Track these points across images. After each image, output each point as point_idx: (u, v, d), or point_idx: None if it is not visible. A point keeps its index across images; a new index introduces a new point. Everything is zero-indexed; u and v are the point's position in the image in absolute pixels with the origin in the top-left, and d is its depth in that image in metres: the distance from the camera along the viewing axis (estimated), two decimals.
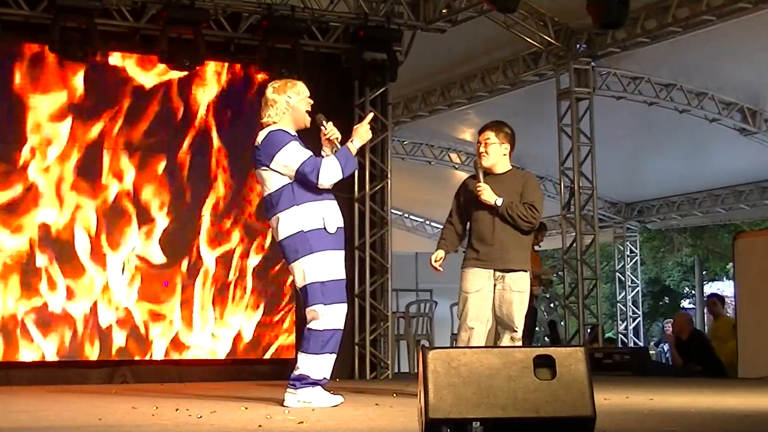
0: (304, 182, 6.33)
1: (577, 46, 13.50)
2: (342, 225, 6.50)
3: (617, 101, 14.77)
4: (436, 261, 7.10)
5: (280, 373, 9.79)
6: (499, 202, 6.93)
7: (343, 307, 6.42)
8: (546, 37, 13.31)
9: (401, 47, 12.03)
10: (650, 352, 13.25)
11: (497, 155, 7.09)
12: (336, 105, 11.97)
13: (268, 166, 6.36)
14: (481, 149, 7.09)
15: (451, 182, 16.01)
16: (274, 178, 6.38)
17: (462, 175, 15.32)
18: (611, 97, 14.61)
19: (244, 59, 11.39)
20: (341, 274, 6.45)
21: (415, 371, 6.94)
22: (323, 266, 6.32)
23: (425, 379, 3.96)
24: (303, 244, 6.31)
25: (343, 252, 6.51)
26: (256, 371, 10.99)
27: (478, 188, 6.98)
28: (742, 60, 13.83)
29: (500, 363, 4.00)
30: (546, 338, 15.95)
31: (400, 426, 4.91)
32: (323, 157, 6.49)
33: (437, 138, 18.11)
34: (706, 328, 19.71)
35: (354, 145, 6.50)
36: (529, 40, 13.43)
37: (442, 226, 7.48)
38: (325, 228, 6.34)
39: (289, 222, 6.33)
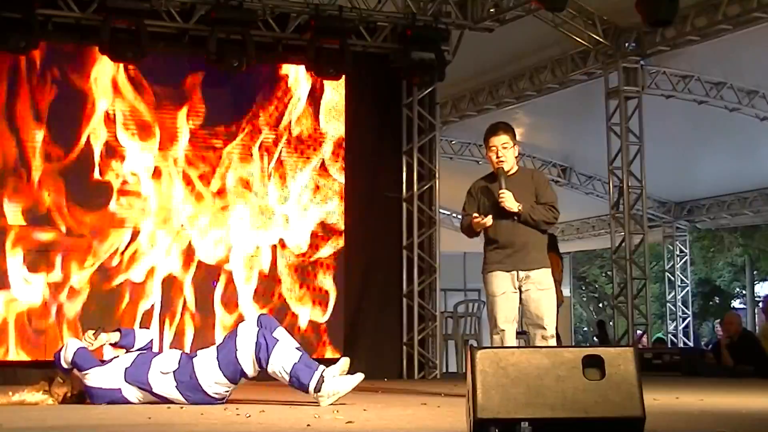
0: None
1: (626, 44, 13.43)
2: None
3: (666, 100, 14.66)
4: (479, 219, 7.01)
5: None
6: (521, 208, 6.97)
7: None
8: (594, 36, 13.24)
9: (449, 47, 12.02)
10: (708, 354, 13.04)
11: (513, 157, 7.18)
12: (384, 105, 12.04)
13: None
14: (500, 153, 7.10)
15: None
16: None
17: None
18: (660, 96, 14.51)
19: (292, 59, 11.42)
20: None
21: (463, 371, 6.93)
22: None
23: (473, 379, 3.95)
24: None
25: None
26: None
27: (502, 195, 6.99)
28: None
29: (549, 363, 3.99)
30: (594, 338, 15.92)
31: (448, 426, 4.91)
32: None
33: None
34: (757, 328, 19.52)
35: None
36: (577, 38, 13.37)
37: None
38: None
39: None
